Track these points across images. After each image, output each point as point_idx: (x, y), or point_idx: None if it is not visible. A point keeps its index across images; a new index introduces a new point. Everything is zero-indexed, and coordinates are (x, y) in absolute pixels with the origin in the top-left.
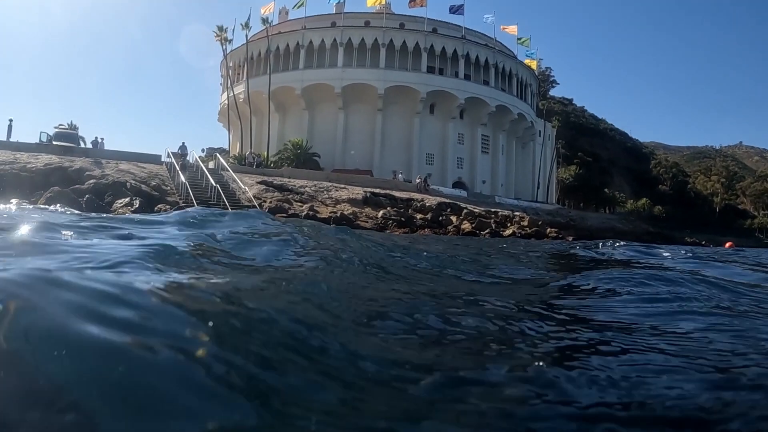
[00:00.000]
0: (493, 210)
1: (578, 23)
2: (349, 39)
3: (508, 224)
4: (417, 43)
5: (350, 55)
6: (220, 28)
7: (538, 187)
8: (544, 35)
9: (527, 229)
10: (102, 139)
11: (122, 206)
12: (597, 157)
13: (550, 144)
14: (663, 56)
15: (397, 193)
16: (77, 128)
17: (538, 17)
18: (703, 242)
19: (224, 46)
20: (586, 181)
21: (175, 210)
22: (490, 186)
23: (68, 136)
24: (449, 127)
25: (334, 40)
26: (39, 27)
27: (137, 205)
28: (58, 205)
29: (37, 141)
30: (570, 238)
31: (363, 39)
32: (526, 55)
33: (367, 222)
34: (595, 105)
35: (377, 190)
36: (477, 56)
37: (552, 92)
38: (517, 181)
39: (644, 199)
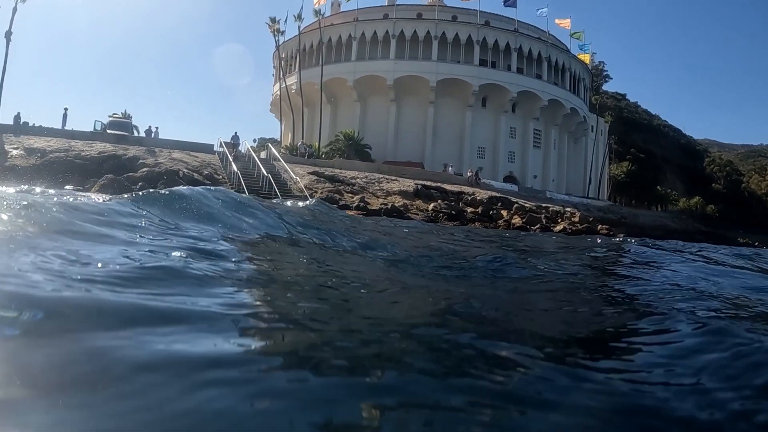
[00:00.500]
0: (543, 205)
1: (633, 17)
2: (402, 31)
3: (559, 220)
4: (469, 35)
5: (402, 47)
6: (273, 20)
7: (589, 183)
8: (598, 29)
9: (578, 225)
10: (156, 128)
11: None
12: (650, 154)
13: (602, 139)
14: (719, 51)
15: (448, 186)
16: (131, 117)
17: (592, 10)
18: (756, 243)
19: (277, 38)
20: (638, 178)
21: None
22: (542, 181)
23: (122, 125)
24: (501, 120)
25: (387, 32)
26: (95, 17)
27: None
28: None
29: (92, 129)
30: (621, 236)
31: (415, 31)
32: (580, 49)
33: (417, 214)
34: (649, 100)
35: (428, 183)
36: (530, 49)
37: (605, 87)
38: (569, 177)
39: (697, 197)
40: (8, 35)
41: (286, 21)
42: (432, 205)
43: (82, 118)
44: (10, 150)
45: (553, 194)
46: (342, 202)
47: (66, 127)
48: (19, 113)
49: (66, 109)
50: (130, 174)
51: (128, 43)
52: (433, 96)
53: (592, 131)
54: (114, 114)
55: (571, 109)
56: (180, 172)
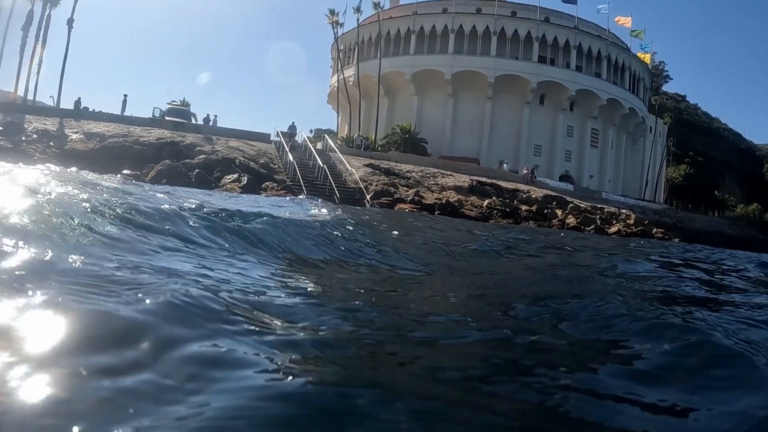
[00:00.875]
0: (599, 206)
1: (696, 17)
2: (461, 26)
3: (614, 222)
4: (529, 31)
5: (461, 42)
6: (332, 12)
7: (646, 185)
8: (660, 28)
9: (633, 227)
10: (215, 116)
11: (230, 182)
12: (708, 158)
13: (660, 141)
14: None
15: (503, 183)
16: (189, 105)
17: (654, 9)
18: None
19: (335, 30)
20: (695, 182)
21: (281, 188)
22: (597, 181)
23: (180, 112)
24: (559, 118)
25: (445, 26)
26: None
27: (245, 182)
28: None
29: (150, 116)
30: (676, 240)
31: (474, 26)
32: (640, 48)
33: (471, 210)
34: (709, 103)
35: (483, 179)
36: (589, 47)
37: (665, 87)
38: (625, 178)
39: (755, 204)
40: (70, 22)
41: (345, 13)
42: (486, 201)
43: (140, 105)
44: (70, 134)
45: (609, 195)
46: (396, 196)
47: (125, 113)
48: (79, 98)
49: (125, 96)
50: (187, 160)
51: (187, 32)
52: (490, 92)
53: (651, 132)
54: (173, 101)
55: (630, 109)
56: (236, 160)
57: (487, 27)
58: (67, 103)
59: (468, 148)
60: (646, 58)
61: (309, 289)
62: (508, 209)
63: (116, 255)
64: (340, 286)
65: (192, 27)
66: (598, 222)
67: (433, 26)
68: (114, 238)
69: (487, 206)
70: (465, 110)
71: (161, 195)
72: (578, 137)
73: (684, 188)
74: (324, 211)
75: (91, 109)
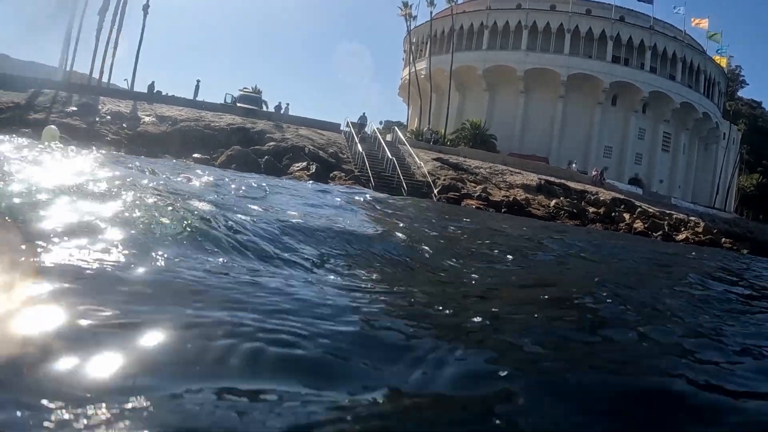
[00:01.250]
0: (667, 212)
1: None
2: (534, 22)
3: (682, 228)
4: (603, 30)
5: (534, 38)
6: (405, 4)
7: (716, 193)
8: (737, 31)
9: (701, 236)
10: (287, 104)
11: (299, 170)
12: None
13: (733, 148)
14: None
15: (571, 184)
16: (261, 92)
17: (731, 11)
18: None
19: (408, 22)
20: None
21: (349, 178)
22: (667, 186)
23: (252, 99)
24: (631, 120)
25: (519, 22)
26: None
27: (313, 170)
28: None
29: (222, 102)
30: (745, 251)
31: (548, 23)
32: (716, 51)
33: (538, 210)
34: None
35: (551, 179)
36: (665, 48)
37: (740, 93)
38: (696, 184)
39: None
40: (145, 8)
41: (418, 6)
42: (554, 201)
43: (212, 91)
44: (143, 117)
45: (678, 201)
46: (464, 191)
47: (197, 99)
48: (153, 82)
49: (198, 81)
50: (257, 147)
51: (261, 19)
52: (562, 90)
53: (724, 139)
54: (245, 88)
55: (704, 113)
56: (306, 148)
57: (561, 24)
58: (140, 87)
59: (537, 147)
60: (722, 61)
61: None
62: (575, 210)
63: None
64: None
65: (266, 15)
66: (666, 228)
67: (507, 22)
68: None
69: (554, 206)
70: (536, 108)
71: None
72: (649, 140)
73: (756, 198)
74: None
75: (164, 93)
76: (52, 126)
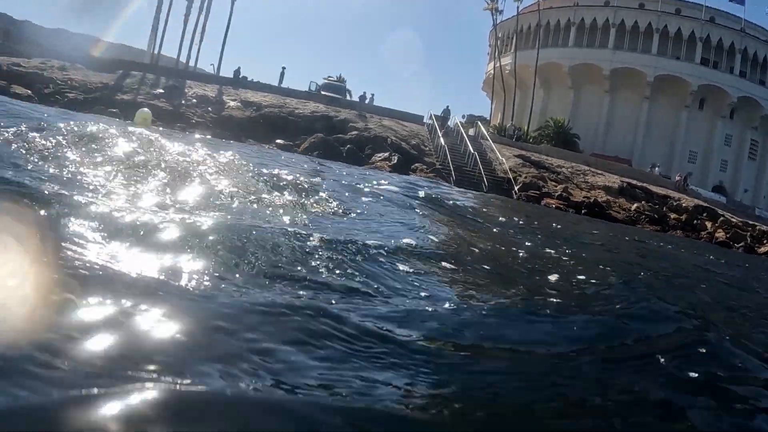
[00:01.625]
0: (751, 222)
1: None
2: (622, 20)
3: (765, 241)
4: (692, 31)
5: (621, 37)
6: None
7: None
8: None
9: None
10: (372, 95)
11: (380, 160)
12: None
13: None
14: None
15: (653, 188)
16: (345, 81)
17: None
18: None
19: (494, 17)
20: None
21: (431, 171)
22: (752, 196)
23: (336, 88)
24: (717, 126)
25: (606, 20)
26: None
27: (395, 161)
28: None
29: (306, 89)
30: None
31: (636, 22)
32: None
33: (619, 213)
34: None
35: (633, 182)
36: (755, 52)
37: None
38: None
39: None
40: None
41: (504, 0)
42: (635, 205)
43: (297, 78)
44: (228, 101)
45: (762, 212)
46: (545, 190)
47: (282, 85)
48: (239, 68)
49: (284, 68)
50: (340, 135)
51: (348, 8)
52: (648, 91)
53: None
54: (329, 76)
55: None
56: (388, 139)
57: (649, 23)
58: (226, 72)
59: (620, 148)
60: None
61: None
62: (656, 216)
63: None
64: None
65: (352, 4)
66: (749, 239)
67: (594, 19)
68: None
69: (635, 210)
70: (621, 108)
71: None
72: (736, 147)
73: None
74: None
75: (249, 79)
76: (145, 108)
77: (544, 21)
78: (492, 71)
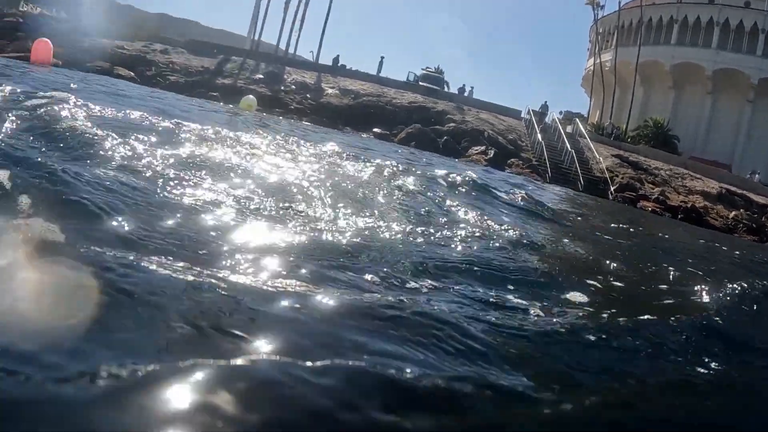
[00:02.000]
0: None
1: None
2: (727, 19)
3: None
4: None
5: (726, 36)
6: None
7: None
8: None
9: None
10: (471, 87)
11: (477, 153)
12: None
13: None
14: None
15: (753, 196)
16: (443, 72)
17: None
18: None
19: (595, 11)
20: None
21: (527, 167)
22: None
23: (434, 79)
24: None
25: (710, 18)
26: None
27: (491, 155)
28: None
29: (404, 80)
30: None
31: (741, 21)
32: None
33: (716, 220)
34: None
35: (733, 188)
36: None
37: None
38: None
39: None
40: None
41: None
42: (733, 213)
43: (395, 68)
44: (327, 88)
45: None
46: (641, 192)
47: (380, 75)
48: (338, 56)
49: (382, 58)
50: (437, 127)
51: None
52: (752, 95)
53: None
54: (427, 67)
55: None
56: (485, 132)
57: (755, 23)
58: (325, 60)
59: (720, 152)
60: None
61: None
62: (754, 225)
63: None
64: None
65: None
66: None
67: (698, 17)
68: None
69: (732, 218)
70: (723, 111)
71: None
72: None
73: None
74: None
75: (348, 67)
76: (251, 96)
77: (646, 17)
78: (591, 67)
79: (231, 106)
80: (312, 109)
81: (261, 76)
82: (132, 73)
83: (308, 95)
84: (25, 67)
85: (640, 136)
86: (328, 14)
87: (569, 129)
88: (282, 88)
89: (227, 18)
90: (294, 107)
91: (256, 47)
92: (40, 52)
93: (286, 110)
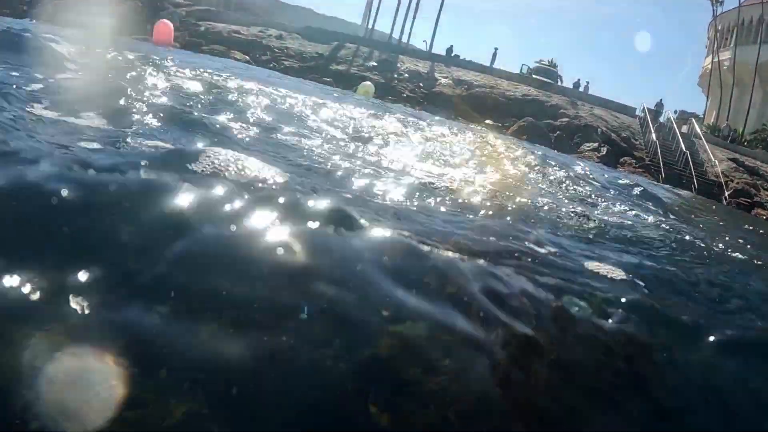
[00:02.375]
0: None
1: None
2: None
3: None
4: None
5: None
6: None
7: None
8: None
9: None
10: (587, 82)
11: (589, 150)
12: None
13: None
14: None
15: None
16: (556, 66)
17: None
18: None
19: (714, 7)
20: None
21: (639, 166)
22: None
23: (547, 72)
24: None
25: None
26: None
27: (604, 153)
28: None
29: (518, 72)
30: None
31: None
32: None
33: None
34: None
35: None
36: None
37: None
38: None
39: None
40: None
41: None
42: None
43: (509, 60)
44: (440, 78)
45: None
46: (756, 199)
47: (494, 66)
48: (451, 46)
49: (496, 49)
50: (549, 121)
51: None
52: None
53: None
54: (541, 60)
55: None
56: (599, 129)
57: None
58: (438, 50)
59: None
60: None
61: None
62: None
63: None
64: None
65: None
66: None
67: None
68: None
69: None
70: None
71: None
72: None
73: None
74: None
75: (461, 58)
76: (368, 82)
77: (767, 14)
78: (709, 66)
79: (348, 91)
80: (424, 97)
81: (374, 64)
82: (247, 57)
83: (421, 84)
84: (161, 48)
85: (757, 140)
86: (441, 4)
87: (684, 129)
88: (395, 76)
89: (341, 6)
90: (406, 95)
91: (369, 35)
92: (162, 33)
93: (399, 98)
